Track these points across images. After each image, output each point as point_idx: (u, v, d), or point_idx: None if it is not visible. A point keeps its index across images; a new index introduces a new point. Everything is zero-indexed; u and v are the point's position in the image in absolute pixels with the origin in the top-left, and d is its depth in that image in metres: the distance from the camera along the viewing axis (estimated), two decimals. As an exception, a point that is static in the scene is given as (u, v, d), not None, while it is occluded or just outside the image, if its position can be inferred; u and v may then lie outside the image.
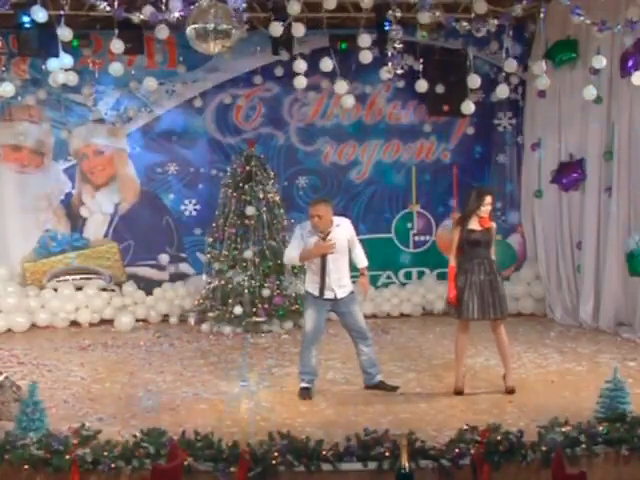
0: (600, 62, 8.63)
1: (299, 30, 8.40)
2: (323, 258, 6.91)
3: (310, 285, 7.12)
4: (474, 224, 6.97)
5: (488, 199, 7.01)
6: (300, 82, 8.77)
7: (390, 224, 11.85)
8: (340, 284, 7.03)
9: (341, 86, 9.15)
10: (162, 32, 8.23)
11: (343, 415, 6.54)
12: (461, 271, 6.99)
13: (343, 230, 7.07)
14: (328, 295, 7.02)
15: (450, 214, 11.84)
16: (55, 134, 11.21)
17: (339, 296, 7.03)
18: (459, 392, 7.12)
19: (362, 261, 7.29)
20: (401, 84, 10.84)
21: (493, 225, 7.12)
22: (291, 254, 7.18)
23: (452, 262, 7.10)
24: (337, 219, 7.10)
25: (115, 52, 8.65)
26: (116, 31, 8.39)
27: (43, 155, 11.25)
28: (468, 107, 9.55)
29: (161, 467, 4.94)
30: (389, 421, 6.15)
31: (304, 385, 7.12)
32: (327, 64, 8.80)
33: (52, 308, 10.72)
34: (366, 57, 8.78)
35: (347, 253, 7.10)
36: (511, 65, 9.00)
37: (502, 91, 9.17)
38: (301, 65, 8.50)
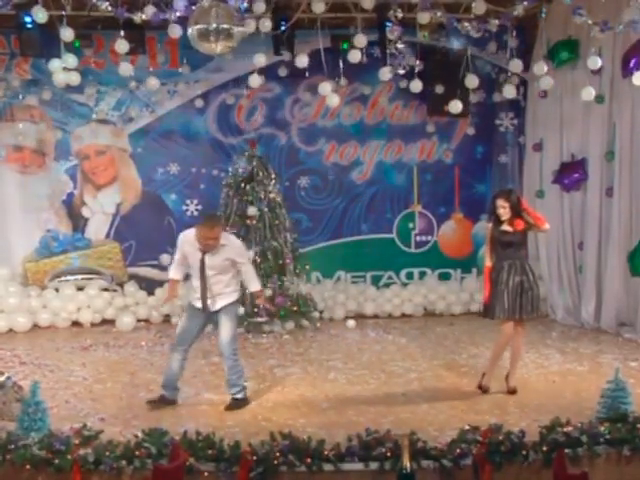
0: (595, 63, 8.63)
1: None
2: (202, 274, 6.79)
3: (191, 297, 7.03)
4: (506, 226, 7.04)
5: (498, 202, 7.08)
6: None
7: (392, 224, 11.85)
8: (216, 299, 6.88)
9: (325, 87, 9.24)
10: (174, 31, 8.24)
11: (344, 415, 6.54)
12: (493, 272, 7.06)
13: (226, 250, 6.80)
14: (205, 307, 6.89)
15: (452, 214, 11.85)
16: (57, 134, 11.21)
17: (213, 308, 6.89)
18: (485, 390, 7.17)
19: (252, 284, 7.05)
20: (403, 84, 10.84)
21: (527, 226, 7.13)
22: (171, 274, 7.15)
23: (488, 262, 7.18)
24: (224, 238, 6.86)
25: (119, 52, 8.68)
26: (122, 32, 8.41)
27: (45, 155, 11.25)
28: (456, 107, 9.57)
29: (163, 467, 4.94)
30: (390, 421, 6.15)
31: (161, 392, 6.99)
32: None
33: (54, 308, 10.72)
34: (355, 57, 8.84)
35: (229, 270, 6.86)
36: (516, 65, 9.01)
37: (509, 91, 9.17)
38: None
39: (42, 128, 11.15)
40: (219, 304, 6.89)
